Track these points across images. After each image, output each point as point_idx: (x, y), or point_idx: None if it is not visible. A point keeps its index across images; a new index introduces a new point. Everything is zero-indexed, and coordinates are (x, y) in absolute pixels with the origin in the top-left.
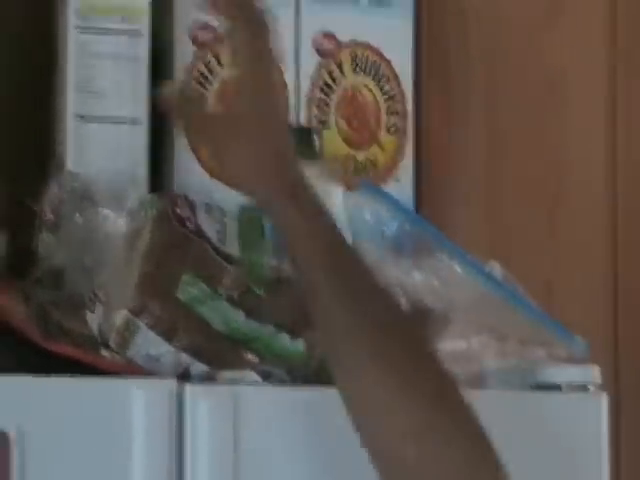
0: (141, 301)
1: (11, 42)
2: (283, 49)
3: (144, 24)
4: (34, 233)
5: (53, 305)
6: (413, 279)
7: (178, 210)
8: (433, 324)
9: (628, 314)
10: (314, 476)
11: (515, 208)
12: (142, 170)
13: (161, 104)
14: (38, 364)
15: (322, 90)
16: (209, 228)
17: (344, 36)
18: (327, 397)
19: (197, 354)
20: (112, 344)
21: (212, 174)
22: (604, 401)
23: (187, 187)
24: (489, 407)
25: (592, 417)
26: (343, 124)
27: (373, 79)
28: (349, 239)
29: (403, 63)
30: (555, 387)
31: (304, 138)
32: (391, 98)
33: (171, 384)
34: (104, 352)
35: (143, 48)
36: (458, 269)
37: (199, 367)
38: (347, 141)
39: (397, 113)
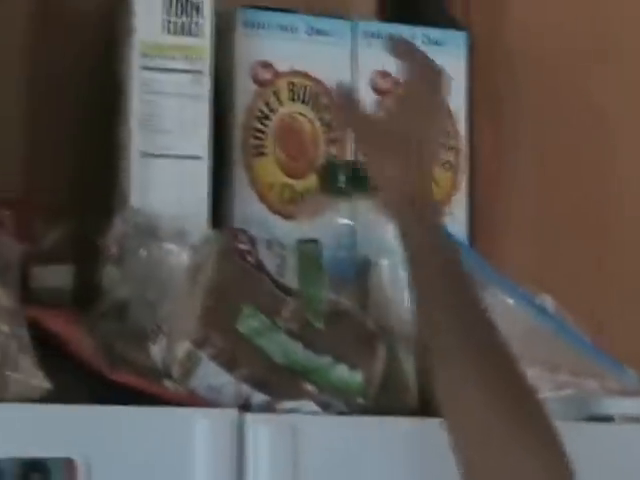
0: (203, 333)
1: (78, 82)
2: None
3: (206, 63)
4: (99, 267)
5: (117, 337)
6: None
7: (239, 245)
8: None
9: None
10: None
11: (565, 242)
12: (204, 205)
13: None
14: (104, 394)
15: None
16: (269, 262)
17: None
18: (384, 427)
19: (257, 385)
20: (175, 375)
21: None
22: None
23: (247, 222)
24: None
25: None
26: None
27: None
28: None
29: (456, 101)
30: (608, 419)
31: (361, 174)
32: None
33: (232, 414)
34: (167, 383)
35: (205, 86)
36: (511, 302)
37: (259, 397)
38: None
39: (451, 149)
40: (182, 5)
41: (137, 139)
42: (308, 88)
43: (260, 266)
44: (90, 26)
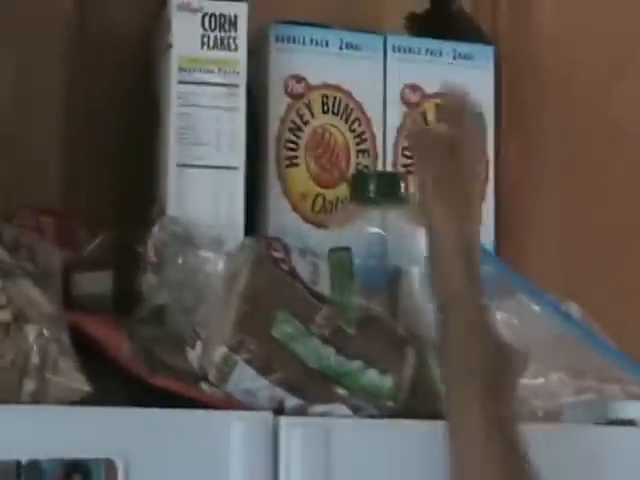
0: (239, 338)
1: (118, 100)
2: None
3: (241, 77)
4: (138, 274)
5: (156, 342)
6: (495, 318)
7: (273, 253)
8: (515, 362)
9: None
10: None
11: (589, 250)
12: (239, 214)
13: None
14: (144, 398)
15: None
16: (302, 269)
17: (430, 88)
18: (414, 430)
19: (291, 388)
20: (211, 379)
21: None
22: None
23: (280, 231)
24: (567, 441)
25: None
26: None
27: None
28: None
29: (485, 112)
30: (630, 422)
31: (391, 183)
32: None
33: (267, 417)
34: (204, 386)
35: (240, 99)
36: (537, 309)
37: (293, 401)
38: None
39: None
40: (218, 20)
41: (174, 151)
42: (339, 100)
43: (294, 273)
44: (128, 48)
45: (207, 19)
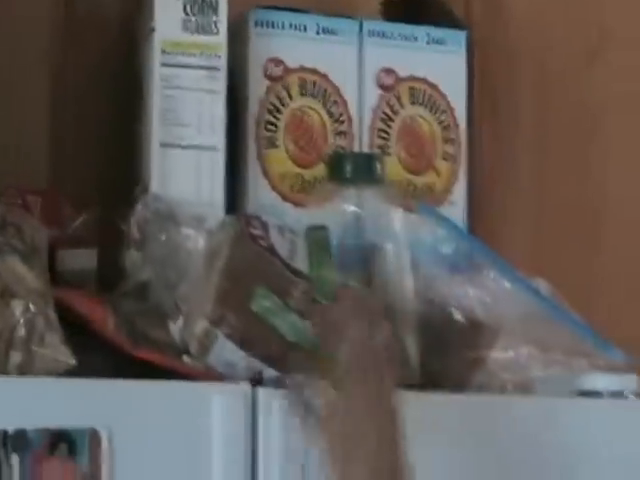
0: (219, 312)
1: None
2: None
3: (222, 60)
4: (122, 251)
5: (139, 316)
6: (467, 294)
7: (253, 230)
8: (485, 336)
9: None
10: None
11: (560, 228)
12: (219, 193)
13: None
14: (127, 370)
15: (383, 120)
16: (281, 246)
17: (403, 72)
18: None
19: (270, 361)
20: (193, 351)
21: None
22: None
23: (260, 210)
24: (535, 413)
25: (631, 422)
26: (402, 152)
27: (430, 111)
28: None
29: (457, 96)
30: (596, 394)
31: (367, 164)
32: (446, 128)
33: (246, 388)
34: (185, 359)
35: (221, 82)
36: (508, 285)
37: (271, 373)
38: (406, 167)
39: (451, 141)
40: (199, 5)
41: (157, 131)
42: (317, 83)
43: (272, 250)
44: (112, 31)
45: (189, 4)
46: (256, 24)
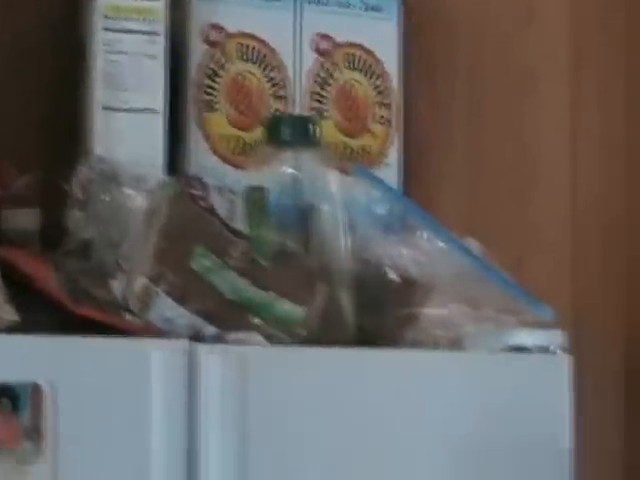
0: (158, 270)
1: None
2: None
3: (162, 25)
4: (65, 210)
5: (82, 274)
6: (401, 254)
7: (193, 190)
8: (418, 294)
9: (588, 284)
10: (313, 425)
11: (492, 191)
12: (159, 153)
13: None
14: (70, 327)
15: (320, 85)
16: (220, 206)
17: (340, 37)
18: (324, 356)
19: (208, 317)
20: (133, 308)
21: None
22: (568, 362)
23: (201, 171)
24: (467, 367)
25: (557, 376)
26: (338, 115)
27: (365, 75)
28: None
29: (393, 62)
30: (525, 349)
31: (304, 126)
32: (381, 92)
33: (185, 344)
34: (126, 315)
35: (161, 46)
36: (440, 245)
37: (210, 329)
38: (342, 130)
39: (386, 106)
40: None
41: (99, 94)
42: (256, 49)
43: (212, 210)
44: None
45: None
46: None
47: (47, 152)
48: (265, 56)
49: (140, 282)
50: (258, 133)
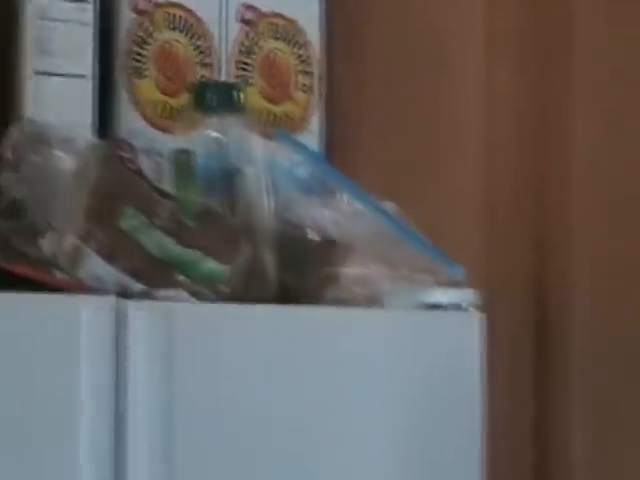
0: (87, 229)
1: None
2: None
3: None
4: None
5: (13, 233)
6: (321, 215)
7: (121, 152)
8: (338, 253)
9: (499, 246)
10: (239, 380)
11: (407, 156)
12: (89, 119)
13: None
14: (2, 283)
15: (245, 53)
16: (148, 169)
17: (265, 7)
18: (248, 313)
19: (136, 275)
20: (63, 266)
21: None
22: (480, 319)
23: (130, 135)
24: (384, 324)
25: (469, 332)
26: (263, 82)
27: (288, 45)
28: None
29: (315, 31)
30: (439, 307)
31: (229, 93)
32: (304, 61)
33: (113, 300)
34: (57, 273)
35: (90, 14)
36: (359, 207)
37: (138, 286)
38: (266, 97)
39: (309, 74)
40: None
41: (31, 60)
42: (182, 18)
43: (140, 172)
44: None
45: None
46: None
47: None
48: (192, 25)
49: (70, 241)
50: (185, 99)
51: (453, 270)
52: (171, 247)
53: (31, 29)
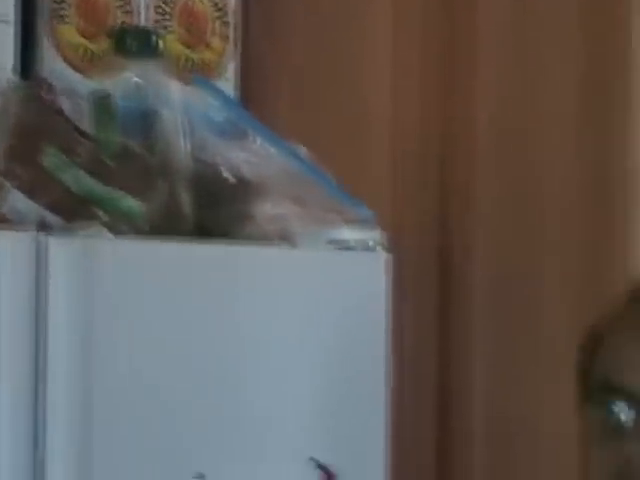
0: (8, 166)
1: None
2: None
3: None
4: None
5: None
6: (236, 157)
7: (42, 93)
8: (252, 193)
9: (407, 189)
10: (156, 312)
11: (319, 104)
12: (10, 60)
13: None
14: None
15: (164, 0)
16: (68, 109)
17: None
18: (164, 249)
19: (56, 211)
20: None
21: None
22: (387, 259)
23: (51, 76)
24: (296, 262)
25: (377, 272)
26: (181, 29)
27: None
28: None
29: None
30: (348, 246)
31: (147, 38)
32: (220, 9)
33: (33, 235)
34: None
35: None
36: (271, 149)
37: (58, 221)
38: (184, 43)
39: (225, 23)
40: None
41: None
42: None
43: (60, 111)
44: None
45: None
46: None
47: None
48: None
49: None
50: (105, 43)
51: (361, 211)
52: (91, 184)
53: None
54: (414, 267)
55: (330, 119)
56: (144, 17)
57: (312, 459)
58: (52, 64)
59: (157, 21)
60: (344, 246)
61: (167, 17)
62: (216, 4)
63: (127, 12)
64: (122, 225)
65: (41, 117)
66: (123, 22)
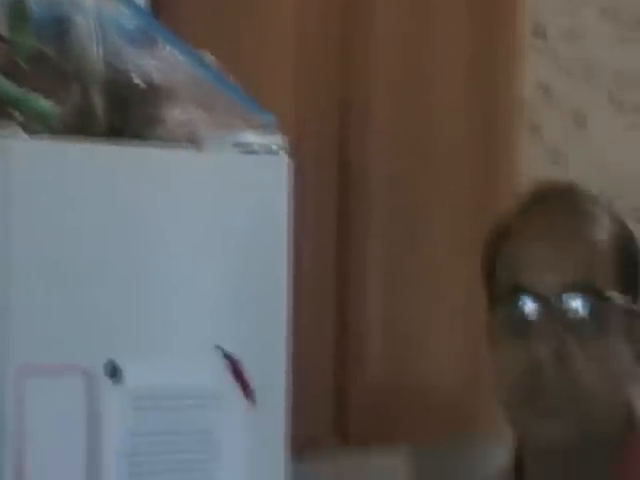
0: None
1: None
2: None
3: None
4: None
5: None
6: (147, 64)
7: None
8: (161, 97)
9: (308, 97)
10: (74, 212)
11: (227, 15)
12: None
13: None
14: None
15: None
16: None
17: None
18: (78, 149)
19: None
20: None
21: None
22: (288, 162)
23: None
24: (203, 165)
25: (278, 175)
26: None
27: None
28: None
29: None
30: (252, 150)
31: None
32: None
33: None
34: None
35: None
36: (180, 57)
37: None
38: None
39: None
40: None
41: None
42: None
43: None
44: None
45: None
46: None
47: None
48: None
49: None
50: None
51: (264, 117)
52: (5, 85)
53: None
54: (314, 172)
55: (234, 26)
56: None
57: (218, 347)
58: None
59: None
60: (248, 150)
61: None
62: None
63: None
64: (37, 125)
65: None
66: None
